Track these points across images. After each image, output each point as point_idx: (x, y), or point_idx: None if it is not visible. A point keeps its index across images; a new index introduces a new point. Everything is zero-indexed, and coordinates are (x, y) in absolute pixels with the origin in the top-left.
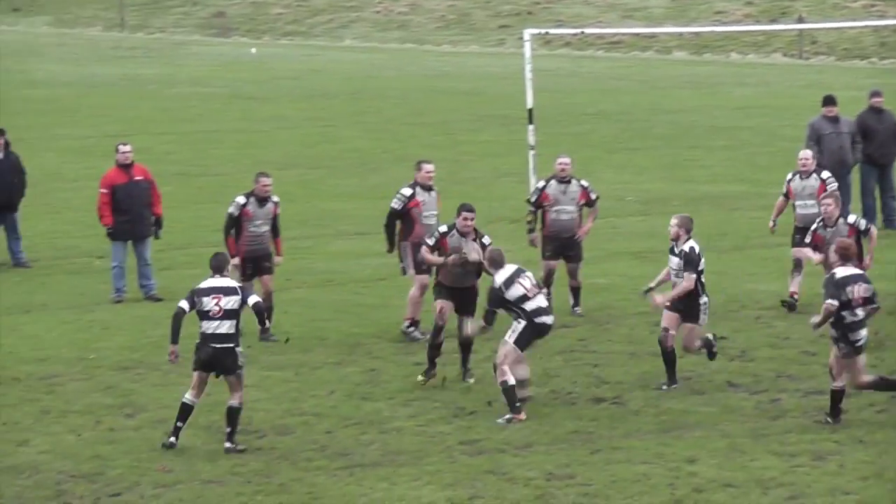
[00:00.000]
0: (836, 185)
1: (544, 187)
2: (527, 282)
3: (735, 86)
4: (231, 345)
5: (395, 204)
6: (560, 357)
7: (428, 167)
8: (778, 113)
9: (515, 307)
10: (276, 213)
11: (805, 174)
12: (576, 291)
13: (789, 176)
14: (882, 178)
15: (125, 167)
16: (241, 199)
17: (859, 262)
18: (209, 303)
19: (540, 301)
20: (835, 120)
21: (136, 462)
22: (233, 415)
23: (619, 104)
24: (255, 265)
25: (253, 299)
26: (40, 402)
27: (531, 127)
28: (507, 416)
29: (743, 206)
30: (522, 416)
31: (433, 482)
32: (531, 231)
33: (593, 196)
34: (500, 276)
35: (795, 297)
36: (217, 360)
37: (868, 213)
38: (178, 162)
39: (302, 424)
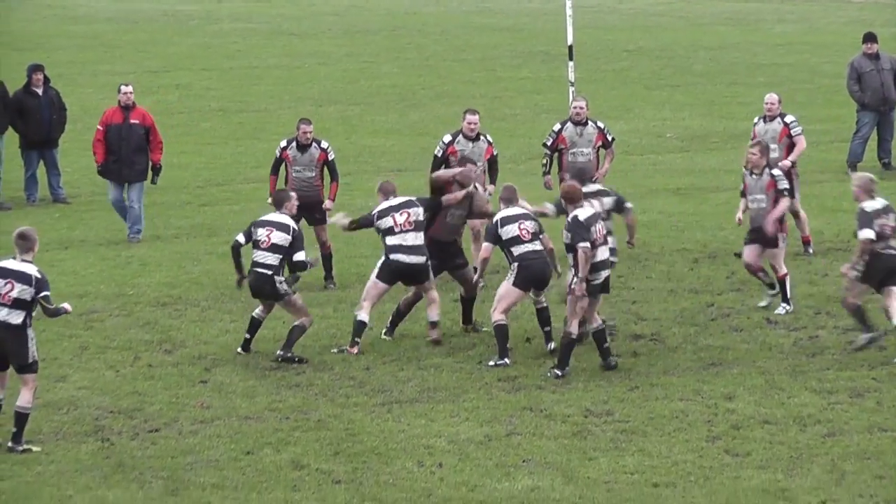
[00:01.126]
0: (800, 129)
1: (560, 130)
2: (401, 217)
3: (776, 22)
4: (269, 273)
5: (437, 151)
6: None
7: (470, 118)
8: (818, 50)
9: (382, 238)
10: (327, 158)
11: (770, 118)
12: None
13: (756, 119)
14: None
15: (125, 108)
16: (283, 143)
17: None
18: (262, 233)
19: (403, 238)
20: (875, 57)
21: (175, 398)
22: (292, 331)
23: (659, 41)
24: (303, 210)
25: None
26: (79, 338)
27: (571, 63)
28: (342, 347)
29: None
30: (355, 350)
31: (471, 418)
32: (546, 174)
33: (609, 137)
34: (380, 206)
35: (808, 241)
36: (258, 284)
37: None
38: (219, 98)
39: (340, 361)
